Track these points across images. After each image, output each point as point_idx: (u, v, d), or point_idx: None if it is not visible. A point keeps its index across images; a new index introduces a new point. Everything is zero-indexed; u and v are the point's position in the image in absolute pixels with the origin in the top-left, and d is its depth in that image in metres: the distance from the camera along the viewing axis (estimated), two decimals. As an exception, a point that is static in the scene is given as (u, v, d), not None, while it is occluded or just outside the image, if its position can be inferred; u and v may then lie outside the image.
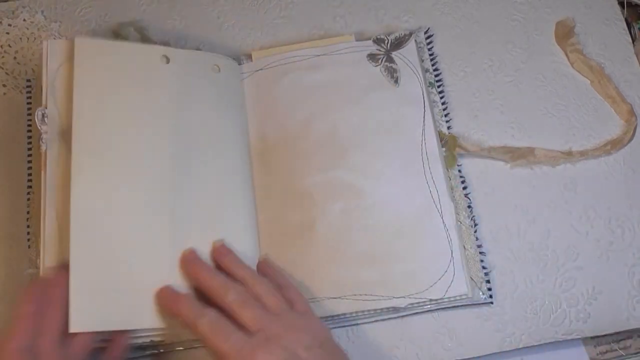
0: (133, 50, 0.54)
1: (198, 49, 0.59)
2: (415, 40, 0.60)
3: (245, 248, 0.52)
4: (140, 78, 0.52)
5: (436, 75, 0.59)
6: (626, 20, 0.62)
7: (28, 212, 0.54)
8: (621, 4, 0.63)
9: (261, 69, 0.58)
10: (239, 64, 0.59)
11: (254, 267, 0.51)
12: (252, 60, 0.59)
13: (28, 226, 0.54)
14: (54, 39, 0.61)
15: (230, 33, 0.62)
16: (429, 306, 0.52)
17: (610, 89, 0.58)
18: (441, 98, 0.58)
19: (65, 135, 0.50)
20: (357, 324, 0.53)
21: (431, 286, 0.51)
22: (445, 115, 0.58)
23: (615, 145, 0.57)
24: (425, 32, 0.61)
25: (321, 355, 0.43)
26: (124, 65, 0.52)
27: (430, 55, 0.60)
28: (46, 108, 0.50)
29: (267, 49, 0.60)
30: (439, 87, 0.59)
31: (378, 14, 0.62)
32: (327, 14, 0.62)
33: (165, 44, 0.59)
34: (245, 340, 0.42)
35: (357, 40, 0.59)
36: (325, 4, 0.63)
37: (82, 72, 0.51)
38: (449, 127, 0.57)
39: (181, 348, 0.51)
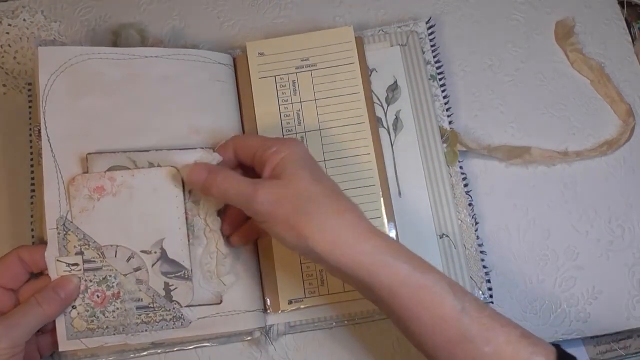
0: None
1: (197, 48, 0.59)
2: (416, 32, 0.59)
3: None
4: None
5: (438, 68, 0.59)
6: (626, 20, 0.62)
7: (32, 217, 0.55)
8: (621, 4, 0.63)
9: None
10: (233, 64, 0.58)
11: None
12: (246, 52, 0.57)
13: (32, 230, 0.54)
14: (53, 39, 0.61)
15: (230, 33, 0.62)
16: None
17: (610, 89, 0.58)
18: (443, 92, 0.58)
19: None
20: (358, 324, 0.53)
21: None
22: (447, 110, 0.57)
23: (612, 146, 0.57)
24: (427, 22, 0.60)
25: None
26: None
27: (432, 46, 0.59)
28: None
29: (262, 39, 0.60)
30: (440, 80, 0.58)
31: (378, 14, 0.62)
32: (327, 14, 0.62)
33: (158, 44, 0.59)
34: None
35: (355, 30, 0.58)
36: (325, 4, 0.63)
37: None
38: (450, 122, 0.57)
39: (181, 349, 0.52)
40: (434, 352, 0.41)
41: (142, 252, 0.49)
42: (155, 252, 0.49)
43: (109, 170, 0.49)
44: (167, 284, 0.49)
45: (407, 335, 0.42)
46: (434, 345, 0.40)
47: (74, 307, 0.47)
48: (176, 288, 0.49)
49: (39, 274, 0.49)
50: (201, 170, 0.47)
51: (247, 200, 0.43)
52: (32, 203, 0.55)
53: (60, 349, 0.47)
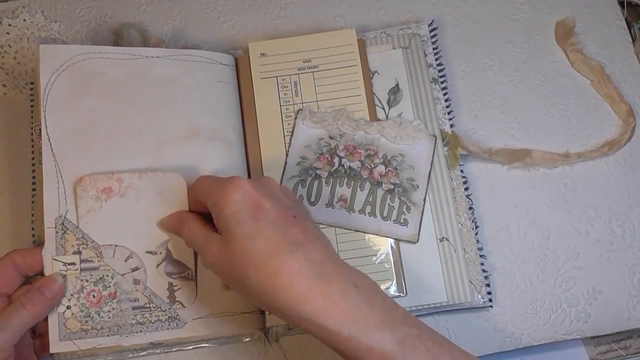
0: None
1: (198, 48, 0.59)
2: (419, 35, 0.59)
3: None
4: None
5: (440, 71, 0.58)
6: (626, 20, 0.62)
7: (33, 215, 0.55)
8: (621, 4, 0.63)
9: None
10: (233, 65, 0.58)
11: None
12: (248, 52, 0.57)
13: (33, 229, 0.54)
14: (53, 37, 0.61)
15: (230, 33, 0.62)
16: (427, 309, 0.52)
17: (611, 89, 0.58)
18: (444, 95, 0.58)
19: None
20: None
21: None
22: (449, 113, 0.57)
23: (612, 146, 0.57)
24: (430, 24, 0.60)
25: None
26: None
27: (434, 49, 0.59)
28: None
29: (262, 39, 0.60)
30: (442, 83, 0.58)
31: (378, 14, 0.62)
32: (327, 14, 0.62)
33: (160, 44, 0.59)
34: None
35: (358, 32, 0.58)
36: (325, 4, 0.63)
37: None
38: (451, 126, 0.57)
39: (180, 349, 0.52)
40: None
41: (147, 252, 0.49)
42: (160, 253, 0.49)
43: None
44: (170, 284, 0.49)
45: None
46: None
47: (68, 307, 0.47)
48: (179, 288, 0.49)
49: (34, 276, 0.49)
50: (173, 220, 0.49)
51: (201, 255, 0.45)
52: (32, 202, 0.55)
53: (51, 351, 0.47)
